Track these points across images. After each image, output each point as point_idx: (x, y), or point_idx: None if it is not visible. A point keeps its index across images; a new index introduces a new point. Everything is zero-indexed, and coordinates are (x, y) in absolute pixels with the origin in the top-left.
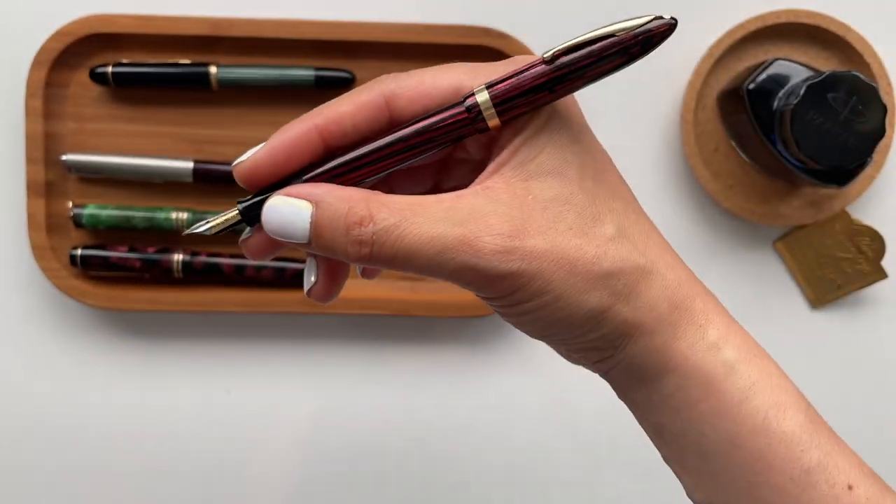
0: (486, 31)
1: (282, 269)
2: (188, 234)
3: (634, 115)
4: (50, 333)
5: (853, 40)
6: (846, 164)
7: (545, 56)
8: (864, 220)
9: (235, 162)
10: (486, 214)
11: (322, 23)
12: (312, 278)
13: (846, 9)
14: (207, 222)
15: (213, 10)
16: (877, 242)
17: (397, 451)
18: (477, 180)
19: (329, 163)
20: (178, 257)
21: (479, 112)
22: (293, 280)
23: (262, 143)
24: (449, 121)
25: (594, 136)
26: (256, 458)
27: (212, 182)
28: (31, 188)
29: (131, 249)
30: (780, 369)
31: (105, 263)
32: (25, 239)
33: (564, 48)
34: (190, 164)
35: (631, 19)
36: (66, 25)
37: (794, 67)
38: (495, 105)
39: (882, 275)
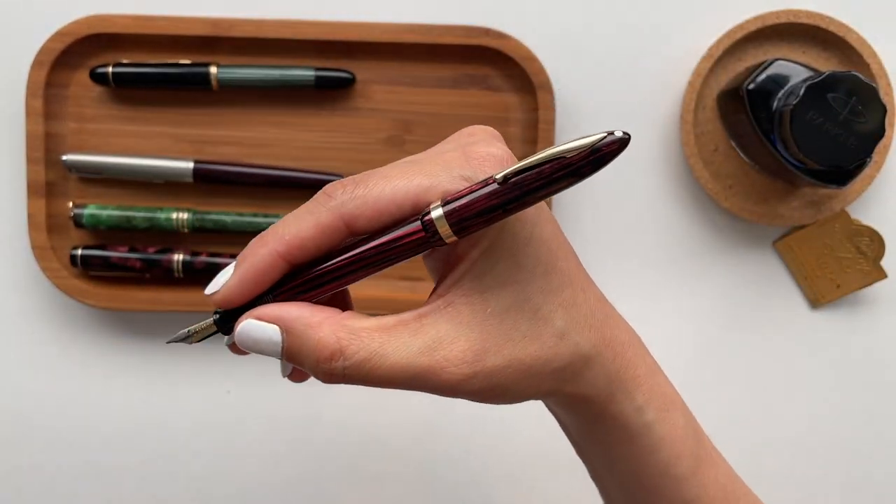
0: (486, 32)
1: None
2: (170, 343)
3: (634, 116)
4: (50, 333)
5: (853, 41)
6: (846, 164)
7: (497, 177)
8: (864, 220)
9: (209, 290)
10: (450, 341)
11: (322, 23)
12: (285, 371)
13: (846, 9)
14: (188, 331)
15: (214, 10)
16: (876, 242)
17: (397, 450)
18: (439, 291)
19: (294, 280)
20: (178, 257)
21: (436, 230)
22: None
23: (228, 266)
24: (406, 239)
25: (546, 217)
26: (256, 458)
27: (212, 182)
28: (32, 188)
29: (132, 249)
30: (688, 421)
31: (105, 263)
32: (26, 239)
33: (516, 169)
34: (190, 165)
35: (583, 137)
36: (67, 26)
37: (794, 68)
38: (450, 224)
39: (881, 275)
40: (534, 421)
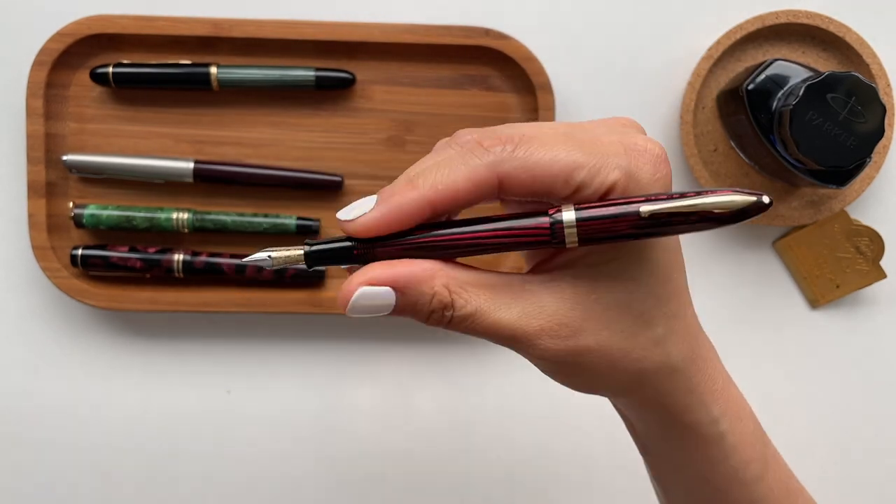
0: (487, 32)
1: (282, 270)
2: (246, 262)
3: (634, 116)
4: (50, 333)
5: (852, 41)
6: (845, 164)
7: (644, 214)
8: (863, 221)
9: (343, 216)
10: (550, 315)
11: (322, 23)
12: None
13: (845, 9)
14: (269, 257)
15: (214, 10)
16: (876, 242)
17: (397, 450)
18: (544, 266)
19: (415, 237)
20: (178, 257)
21: (562, 235)
22: (293, 280)
23: (366, 196)
24: (529, 232)
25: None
26: (256, 457)
27: (212, 182)
28: (32, 188)
29: (132, 249)
30: (756, 427)
31: (106, 263)
32: (26, 239)
33: (665, 211)
34: (190, 165)
35: (727, 193)
36: (67, 26)
37: (794, 68)
38: (579, 236)
39: (881, 275)
40: (534, 421)
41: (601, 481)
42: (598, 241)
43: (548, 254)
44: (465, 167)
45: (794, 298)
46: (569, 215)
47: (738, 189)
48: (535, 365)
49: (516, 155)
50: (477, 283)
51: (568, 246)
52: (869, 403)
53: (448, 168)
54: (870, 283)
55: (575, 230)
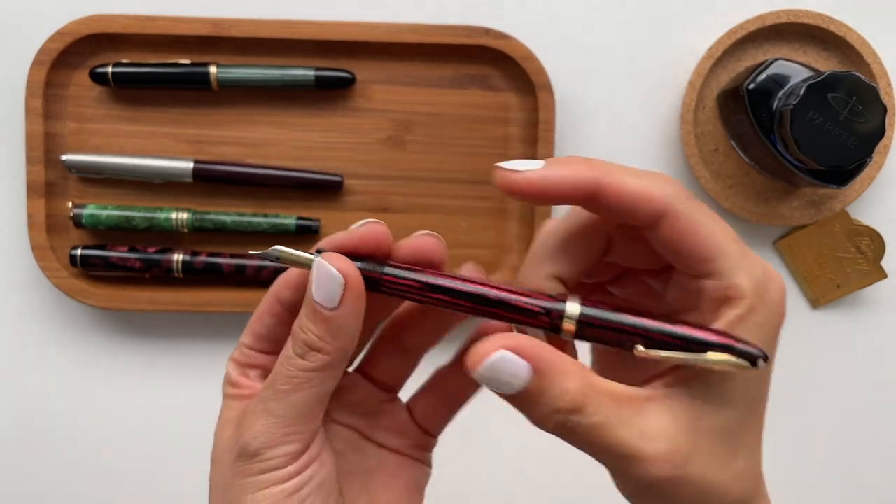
0: (486, 32)
1: (282, 270)
2: (257, 257)
3: (634, 116)
4: (50, 333)
5: (853, 40)
6: (846, 164)
7: (637, 351)
8: (864, 220)
9: (510, 166)
10: (668, 439)
11: (322, 23)
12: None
13: (846, 9)
14: (278, 254)
15: (214, 10)
16: (876, 242)
17: None
18: (663, 380)
19: (426, 275)
20: (178, 257)
21: (560, 323)
22: None
23: (531, 160)
24: (533, 306)
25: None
26: None
27: (212, 182)
28: (32, 188)
29: (131, 249)
30: None
31: (105, 263)
32: (25, 239)
33: (664, 357)
34: (190, 164)
35: (721, 353)
36: (67, 25)
37: (794, 68)
38: (576, 331)
39: (882, 275)
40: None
41: (601, 482)
42: (590, 340)
43: (668, 369)
44: (647, 181)
45: (794, 298)
46: (573, 307)
47: (733, 344)
48: (620, 485)
49: (690, 203)
50: (607, 392)
51: (564, 336)
52: (869, 403)
53: (629, 172)
54: (870, 283)
55: (573, 327)
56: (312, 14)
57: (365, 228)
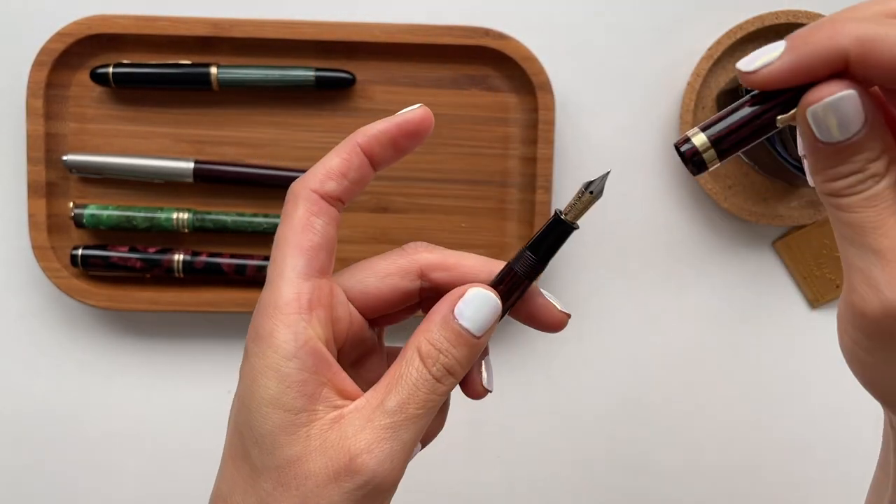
0: (486, 32)
1: None
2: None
3: (634, 116)
4: (50, 333)
5: None
6: None
7: (779, 120)
8: None
9: (747, 67)
10: None
11: (322, 23)
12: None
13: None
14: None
15: (214, 10)
16: None
17: None
18: None
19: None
20: (178, 257)
21: (702, 158)
22: None
23: (770, 46)
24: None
25: None
26: None
27: (212, 182)
28: (33, 188)
29: (132, 249)
30: None
31: (106, 263)
32: (26, 239)
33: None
34: (190, 165)
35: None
36: (67, 26)
37: None
38: (719, 155)
39: None
40: (534, 421)
41: (601, 481)
42: (737, 149)
43: None
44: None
45: (793, 298)
46: (699, 138)
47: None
48: (862, 316)
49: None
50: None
51: (710, 164)
52: (869, 403)
53: (886, 26)
54: None
55: (709, 148)
56: (312, 14)
57: (403, 118)
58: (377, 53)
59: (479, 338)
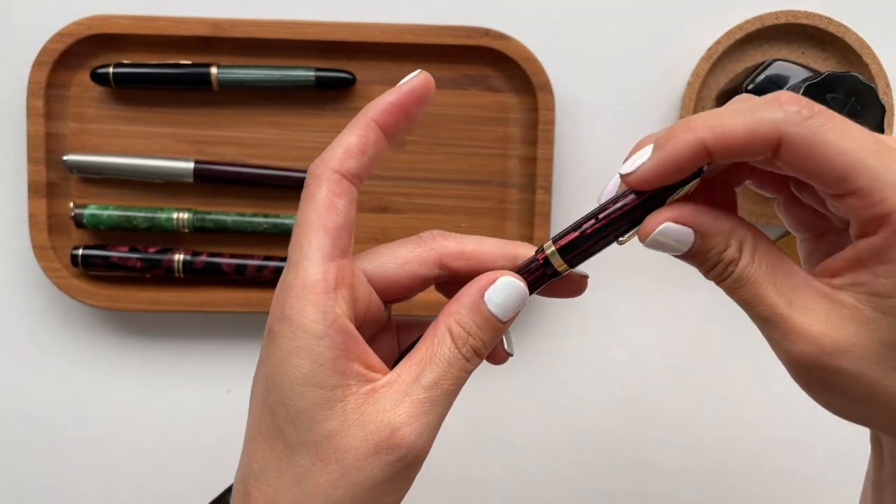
0: (486, 32)
1: (282, 269)
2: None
3: (634, 117)
4: (51, 333)
5: (852, 41)
6: None
7: (619, 242)
8: None
9: (624, 170)
10: (819, 320)
11: (323, 23)
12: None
13: (845, 10)
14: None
15: (214, 11)
16: None
17: None
18: (837, 279)
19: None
20: (179, 257)
21: (553, 265)
22: None
23: (643, 148)
24: (534, 269)
25: None
26: None
27: (212, 182)
28: (33, 188)
29: (132, 249)
30: None
31: (106, 263)
32: (27, 239)
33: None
34: (191, 165)
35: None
36: (68, 26)
37: (793, 68)
38: (569, 263)
39: None
40: (534, 421)
41: (601, 481)
42: (584, 259)
43: (850, 262)
44: (751, 116)
45: None
46: (549, 247)
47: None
48: (787, 367)
49: (808, 124)
50: (766, 253)
51: (561, 272)
52: None
53: (733, 114)
54: None
55: (558, 258)
56: (312, 14)
57: (408, 86)
58: (377, 53)
59: (504, 323)
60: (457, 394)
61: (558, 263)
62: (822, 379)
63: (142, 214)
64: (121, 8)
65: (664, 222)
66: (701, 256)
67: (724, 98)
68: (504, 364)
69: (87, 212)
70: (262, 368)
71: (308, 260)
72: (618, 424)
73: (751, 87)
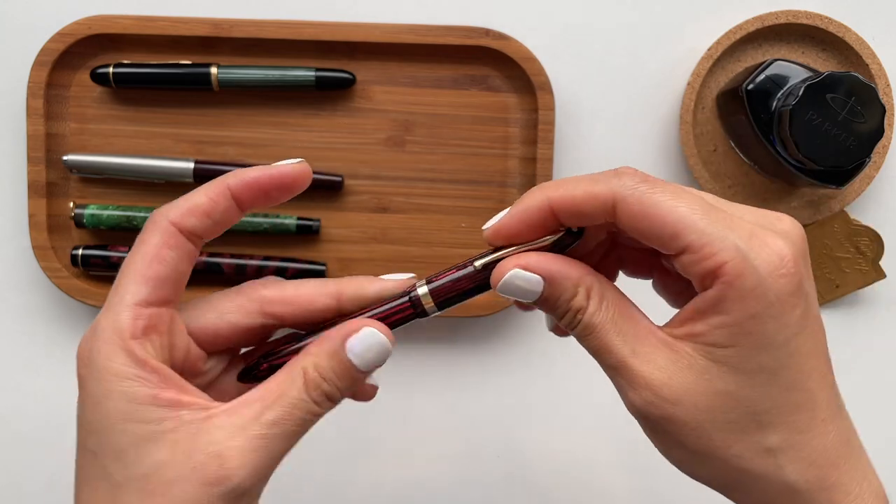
0: (486, 32)
1: (283, 270)
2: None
3: (634, 116)
4: (51, 333)
5: (852, 41)
6: (845, 164)
7: (476, 265)
8: (863, 221)
9: (486, 226)
10: (658, 368)
11: (323, 23)
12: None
13: (845, 9)
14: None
15: (214, 11)
16: (875, 242)
17: (396, 450)
18: (673, 327)
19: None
20: None
21: (422, 305)
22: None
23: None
24: (398, 309)
25: (813, 331)
26: None
27: None
28: (33, 188)
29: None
30: None
31: (106, 263)
32: (26, 239)
33: (494, 259)
34: (191, 165)
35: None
36: (68, 26)
37: (793, 68)
38: (436, 303)
39: (881, 275)
40: (534, 420)
41: (601, 481)
42: (454, 302)
43: (691, 313)
44: (593, 181)
45: None
46: (423, 289)
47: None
48: (631, 412)
49: (639, 188)
50: (615, 302)
51: (429, 313)
52: (868, 403)
53: (578, 180)
54: (869, 283)
55: (430, 297)
56: (312, 14)
57: (278, 171)
58: (377, 53)
59: (364, 373)
60: (301, 434)
61: (427, 304)
62: (662, 429)
63: (142, 214)
64: (121, 8)
65: (514, 268)
66: (551, 303)
67: (724, 98)
68: (504, 364)
69: (87, 212)
70: (79, 415)
71: (122, 304)
72: (618, 424)
73: (751, 86)
